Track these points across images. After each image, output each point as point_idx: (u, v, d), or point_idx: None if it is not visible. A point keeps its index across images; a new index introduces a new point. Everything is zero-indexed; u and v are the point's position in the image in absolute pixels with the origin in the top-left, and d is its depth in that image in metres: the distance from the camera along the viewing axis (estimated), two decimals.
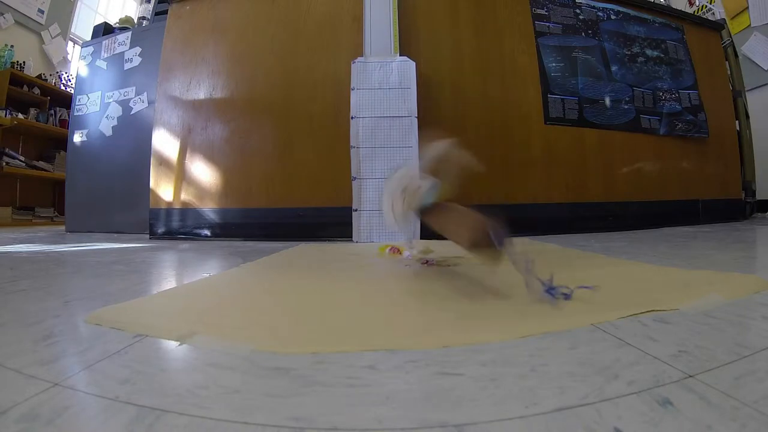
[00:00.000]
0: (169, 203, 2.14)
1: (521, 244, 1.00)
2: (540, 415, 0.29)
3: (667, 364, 0.37)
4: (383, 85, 1.87)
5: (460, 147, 0.89)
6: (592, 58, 2.25)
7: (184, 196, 2.12)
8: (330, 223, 1.92)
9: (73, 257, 1.35)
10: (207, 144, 2.11)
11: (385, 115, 1.85)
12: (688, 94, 2.42)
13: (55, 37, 4.78)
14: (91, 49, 2.86)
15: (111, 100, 2.69)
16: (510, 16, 2.17)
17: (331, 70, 2.01)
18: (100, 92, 2.75)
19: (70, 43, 5.09)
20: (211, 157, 2.10)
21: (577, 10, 2.29)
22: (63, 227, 2.96)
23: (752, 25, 3.49)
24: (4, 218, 3.75)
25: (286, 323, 0.57)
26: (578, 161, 2.16)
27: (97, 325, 0.53)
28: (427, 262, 1.06)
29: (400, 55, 1.92)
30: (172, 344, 0.46)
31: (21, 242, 1.94)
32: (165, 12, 2.36)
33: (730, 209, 2.52)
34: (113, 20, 3.44)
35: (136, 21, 3.29)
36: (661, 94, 2.36)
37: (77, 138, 2.80)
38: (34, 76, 4.27)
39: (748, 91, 2.86)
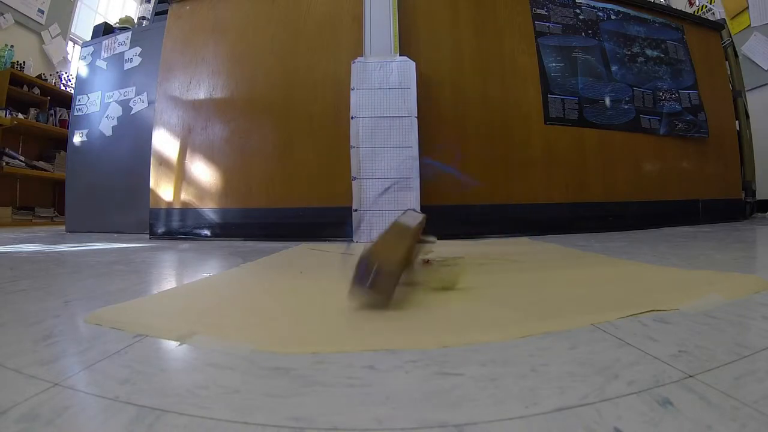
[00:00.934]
0: (169, 203, 2.14)
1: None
2: (540, 415, 0.29)
3: (667, 364, 0.37)
4: (383, 85, 1.87)
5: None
6: (592, 58, 2.25)
7: (184, 196, 2.12)
8: (330, 223, 1.92)
9: (73, 257, 1.35)
10: (207, 144, 2.11)
11: (385, 115, 1.84)
12: (688, 94, 2.42)
13: (55, 37, 4.77)
14: (91, 49, 2.86)
15: (111, 100, 2.69)
16: (510, 16, 2.17)
17: (331, 70, 2.01)
18: (100, 92, 2.75)
19: (70, 43, 5.09)
20: (211, 157, 2.10)
21: (577, 10, 2.28)
22: (63, 227, 2.96)
23: (752, 25, 3.49)
24: (4, 218, 3.75)
25: (286, 323, 0.57)
26: (578, 161, 2.16)
27: (97, 325, 0.53)
28: (427, 261, 1.06)
29: (400, 55, 1.92)
30: (172, 344, 0.46)
31: (21, 242, 1.94)
32: (165, 12, 2.36)
33: (730, 209, 2.52)
34: (113, 20, 3.44)
35: (136, 21, 3.29)
36: (661, 94, 2.36)
37: (77, 138, 2.80)
38: (34, 76, 4.27)
39: (748, 91, 2.86)
